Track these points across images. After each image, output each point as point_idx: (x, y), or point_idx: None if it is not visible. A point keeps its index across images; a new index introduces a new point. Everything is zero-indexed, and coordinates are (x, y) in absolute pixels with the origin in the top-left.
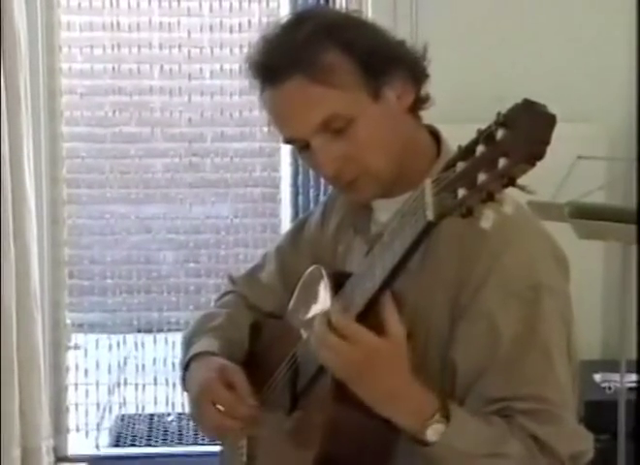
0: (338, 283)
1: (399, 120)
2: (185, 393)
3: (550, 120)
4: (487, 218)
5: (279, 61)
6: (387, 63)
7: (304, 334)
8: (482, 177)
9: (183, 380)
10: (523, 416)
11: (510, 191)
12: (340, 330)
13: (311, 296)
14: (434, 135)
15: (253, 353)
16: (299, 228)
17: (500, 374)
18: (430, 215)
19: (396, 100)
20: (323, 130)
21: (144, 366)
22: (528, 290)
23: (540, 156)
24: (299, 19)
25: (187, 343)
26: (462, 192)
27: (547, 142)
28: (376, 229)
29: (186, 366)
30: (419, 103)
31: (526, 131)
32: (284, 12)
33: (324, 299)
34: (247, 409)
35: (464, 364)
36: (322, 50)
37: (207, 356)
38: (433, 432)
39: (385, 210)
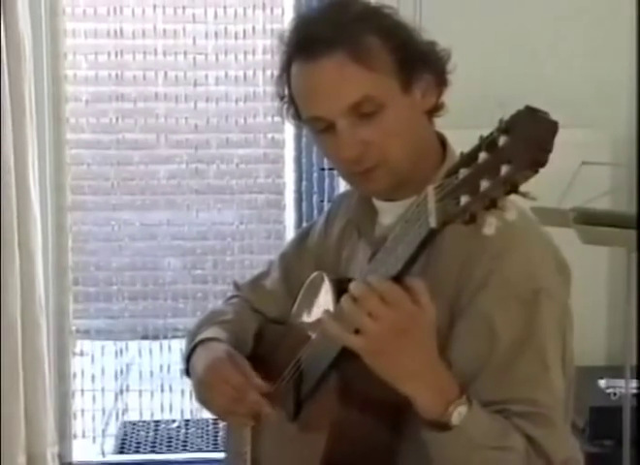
0: (341, 289)
1: (418, 119)
2: (189, 380)
3: (552, 127)
4: (490, 225)
5: (325, 35)
6: (418, 60)
7: (313, 335)
8: (485, 184)
9: (187, 369)
10: (518, 418)
11: (513, 197)
12: (383, 294)
13: (314, 302)
14: (441, 141)
15: (256, 357)
16: (303, 236)
17: (495, 376)
18: (432, 222)
19: (420, 98)
20: (352, 112)
21: (151, 373)
22: (528, 293)
23: (543, 163)
24: (343, 2)
25: (193, 334)
26: (464, 199)
27: (549, 150)
28: (380, 232)
29: (190, 353)
30: (436, 108)
31: (528, 138)
32: (288, 19)
33: (327, 305)
34: (257, 394)
35: (460, 364)
36: (366, 33)
37: (214, 342)
38: (458, 415)
39: (389, 213)
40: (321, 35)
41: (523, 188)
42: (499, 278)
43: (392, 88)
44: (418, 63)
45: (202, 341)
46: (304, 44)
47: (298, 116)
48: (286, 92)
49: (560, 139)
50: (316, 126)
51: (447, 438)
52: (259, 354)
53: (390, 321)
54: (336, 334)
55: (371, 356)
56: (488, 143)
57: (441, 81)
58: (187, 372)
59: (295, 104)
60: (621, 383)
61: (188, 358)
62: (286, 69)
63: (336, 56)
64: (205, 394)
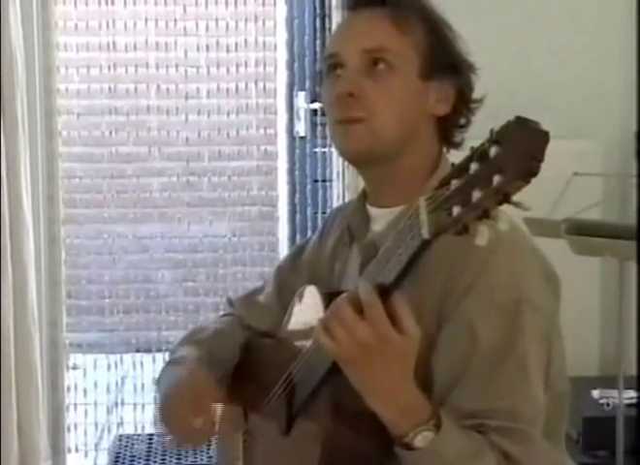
0: (332, 302)
1: (423, 115)
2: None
3: (543, 137)
4: (482, 235)
5: None
6: (448, 66)
7: (304, 348)
8: (477, 195)
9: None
10: (496, 433)
11: (506, 208)
12: (365, 308)
13: (304, 315)
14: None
15: (246, 371)
16: (298, 250)
17: (475, 384)
18: (425, 233)
19: (433, 101)
20: (365, 58)
21: (143, 386)
22: (511, 302)
23: (534, 173)
24: None
25: (173, 352)
26: (456, 209)
27: (540, 159)
28: (371, 237)
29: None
30: (451, 131)
31: (519, 148)
32: (280, 31)
33: (317, 318)
34: (211, 407)
35: (441, 371)
36: (416, 12)
37: (178, 366)
38: (422, 438)
39: (381, 220)
40: None
41: (515, 198)
42: (484, 284)
43: (411, 62)
44: (447, 65)
45: (172, 361)
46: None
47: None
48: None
49: (552, 150)
50: (328, 65)
51: (414, 457)
52: (249, 367)
53: (359, 335)
54: (315, 334)
55: (342, 364)
56: (479, 154)
57: (465, 97)
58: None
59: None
60: (614, 393)
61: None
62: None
63: (377, 12)
64: (163, 422)
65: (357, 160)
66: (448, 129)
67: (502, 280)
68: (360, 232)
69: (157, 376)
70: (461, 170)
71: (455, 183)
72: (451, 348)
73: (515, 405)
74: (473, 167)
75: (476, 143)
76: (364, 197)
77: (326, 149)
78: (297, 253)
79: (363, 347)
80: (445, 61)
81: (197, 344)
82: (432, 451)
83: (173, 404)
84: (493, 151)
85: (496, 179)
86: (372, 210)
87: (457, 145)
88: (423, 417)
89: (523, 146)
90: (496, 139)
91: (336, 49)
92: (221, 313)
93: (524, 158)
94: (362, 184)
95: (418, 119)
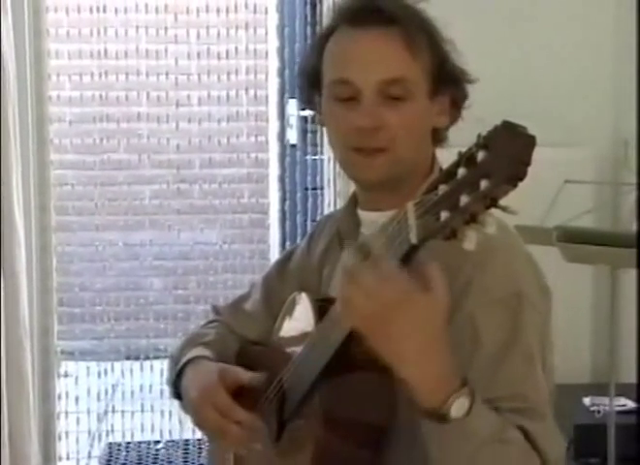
0: (321, 308)
1: (428, 130)
2: (179, 402)
3: (530, 141)
4: (470, 239)
5: (387, 9)
6: (450, 78)
7: (295, 355)
8: (464, 199)
9: (176, 392)
10: (511, 413)
11: (498, 215)
12: (381, 271)
13: (294, 322)
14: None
15: None
16: (286, 258)
17: (483, 377)
18: (413, 238)
19: (435, 114)
20: (382, 89)
21: (132, 393)
22: (512, 297)
23: (521, 177)
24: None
25: (176, 357)
26: (444, 214)
27: (527, 163)
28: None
29: (179, 374)
30: (441, 134)
31: (506, 152)
32: (271, 39)
33: (307, 325)
34: (245, 413)
35: None
36: (421, 29)
37: (203, 360)
38: (459, 406)
39: (372, 224)
40: (383, 8)
41: (504, 203)
42: (481, 285)
43: (422, 86)
44: (448, 81)
45: (190, 361)
46: (362, 11)
47: (312, 94)
48: (312, 63)
49: (544, 158)
50: (339, 91)
51: (448, 430)
52: None
53: (381, 295)
54: (336, 310)
55: (369, 334)
56: (467, 159)
57: (457, 110)
58: (177, 395)
59: (318, 75)
60: (605, 400)
61: (175, 381)
62: (325, 36)
63: (391, 32)
64: (194, 418)
65: (373, 186)
66: (441, 134)
67: (499, 276)
68: (350, 235)
69: (169, 375)
70: (449, 175)
71: (443, 188)
72: (456, 346)
73: (524, 390)
74: (461, 172)
75: (464, 149)
76: (354, 201)
77: (317, 157)
78: (284, 260)
79: (386, 307)
80: (448, 78)
81: (205, 345)
82: (469, 422)
83: (207, 411)
84: (480, 156)
85: (484, 184)
86: (363, 214)
87: (442, 142)
88: (457, 382)
89: (510, 150)
90: (483, 143)
91: (350, 76)
92: (210, 318)
93: (511, 162)
94: (352, 190)
95: (425, 137)
